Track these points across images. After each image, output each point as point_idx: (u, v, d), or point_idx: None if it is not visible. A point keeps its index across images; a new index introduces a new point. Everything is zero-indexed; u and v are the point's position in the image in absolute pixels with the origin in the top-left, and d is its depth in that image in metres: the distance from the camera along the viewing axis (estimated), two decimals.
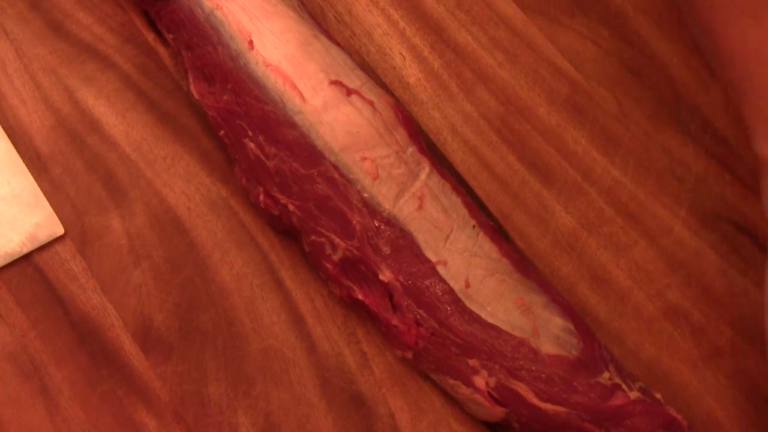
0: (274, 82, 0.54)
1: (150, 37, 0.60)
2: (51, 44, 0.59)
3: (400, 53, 0.61)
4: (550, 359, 0.49)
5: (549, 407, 0.48)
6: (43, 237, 0.54)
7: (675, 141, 0.59)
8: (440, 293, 0.50)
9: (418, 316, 0.50)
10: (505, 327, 0.49)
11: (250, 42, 0.55)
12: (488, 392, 0.49)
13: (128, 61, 0.59)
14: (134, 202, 0.55)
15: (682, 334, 0.54)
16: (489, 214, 0.56)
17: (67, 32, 0.59)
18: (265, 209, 0.54)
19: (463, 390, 0.49)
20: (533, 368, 0.48)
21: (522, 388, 0.48)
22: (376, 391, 0.52)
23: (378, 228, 0.51)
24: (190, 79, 0.57)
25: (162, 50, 0.59)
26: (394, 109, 0.55)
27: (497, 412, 0.49)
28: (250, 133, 0.53)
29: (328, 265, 0.52)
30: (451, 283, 0.50)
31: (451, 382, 0.50)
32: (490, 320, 0.49)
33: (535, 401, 0.48)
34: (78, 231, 0.54)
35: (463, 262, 0.51)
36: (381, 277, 0.50)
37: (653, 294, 0.55)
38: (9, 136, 0.56)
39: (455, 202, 0.53)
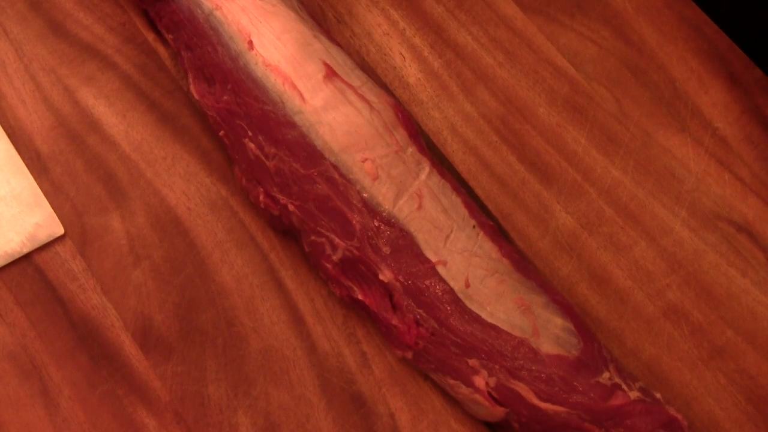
0: (274, 82, 0.54)
1: (150, 37, 0.60)
2: (51, 44, 0.59)
3: (400, 53, 0.61)
4: (550, 359, 0.49)
5: (549, 407, 0.48)
6: (43, 237, 0.54)
7: (675, 141, 0.59)
8: (440, 293, 0.50)
9: (418, 316, 0.50)
10: (505, 327, 0.49)
11: (250, 42, 0.55)
12: (488, 392, 0.49)
13: (128, 61, 0.59)
14: (134, 202, 0.55)
15: (682, 334, 0.54)
16: (489, 214, 0.56)
17: (67, 32, 0.59)
18: (265, 209, 0.54)
19: (463, 390, 0.49)
20: (533, 368, 0.48)
21: (522, 388, 0.48)
22: (376, 391, 0.52)
23: (378, 228, 0.51)
24: (190, 79, 0.57)
25: (162, 50, 0.59)
26: (394, 109, 0.55)
27: (497, 412, 0.49)
28: (250, 133, 0.53)
29: (328, 265, 0.52)
30: (451, 283, 0.50)
31: (451, 382, 0.50)
32: (490, 320, 0.49)
33: (535, 401, 0.48)
34: (78, 231, 0.54)
35: (463, 262, 0.51)
36: (381, 277, 0.50)
37: (653, 294, 0.55)
38: (9, 136, 0.56)
39: (455, 202, 0.53)
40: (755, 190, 0.58)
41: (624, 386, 0.49)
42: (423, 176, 0.53)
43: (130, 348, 0.52)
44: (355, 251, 0.51)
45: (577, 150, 0.58)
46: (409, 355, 0.51)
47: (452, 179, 0.54)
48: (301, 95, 0.53)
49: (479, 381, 0.49)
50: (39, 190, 0.55)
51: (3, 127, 0.56)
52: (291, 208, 0.52)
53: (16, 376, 0.51)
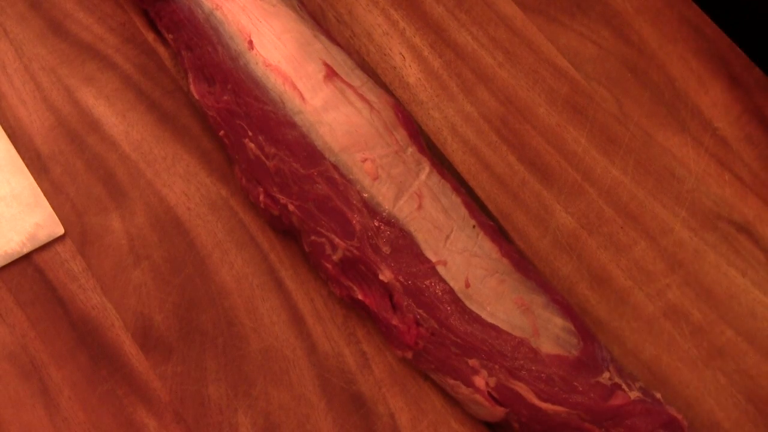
0: (274, 82, 0.54)
1: (150, 37, 0.60)
2: (51, 44, 0.59)
3: (400, 53, 0.61)
4: (550, 359, 0.49)
5: (549, 407, 0.48)
6: (43, 237, 0.54)
7: (675, 141, 0.59)
8: (440, 293, 0.50)
9: (418, 316, 0.50)
10: (505, 327, 0.49)
11: (250, 42, 0.55)
12: (488, 392, 0.49)
13: (128, 61, 0.59)
14: (134, 202, 0.55)
15: (682, 334, 0.54)
16: (489, 214, 0.56)
17: (67, 32, 0.59)
18: (265, 209, 0.54)
19: (463, 390, 0.49)
20: (533, 368, 0.48)
21: (522, 388, 0.48)
22: (376, 391, 0.52)
23: (378, 228, 0.51)
24: (190, 79, 0.57)
25: (162, 50, 0.59)
26: (394, 109, 0.55)
27: (497, 412, 0.49)
28: (250, 133, 0.53)
29: (328, 265, 0.52)
30: (451, 283, 0.50)
31: (451, 382, 0.50)
32: (490, 320, 0.49)
33: (535, 401, 0.48)
34: (78, 231, 0.54)
35: (463, 262, 0.51)
36: (381, 277, 0.50)
37: (653, 294, 0.55)
38: (9, 136, 0.56)
39: (455, 202, 0.53)
40: (755, 190, 0.58)
41: (624, 386, 0.49)
42: (423, 176, 0.53)
43: (130, 348, 0.52)
44: (355, 251, 0.51)
45: (577, 150, 0.58)
46: (409, 355, 0.51)
47: (452, 179, 0.54)
48: (301, 95, 0.53)
49: (479, 381, 0.49)
50: (39, 190, 0.55)
51: (3, 127, 0.56)
52: (291, 208, 0.52)
53: (16, 376, 0.51)
